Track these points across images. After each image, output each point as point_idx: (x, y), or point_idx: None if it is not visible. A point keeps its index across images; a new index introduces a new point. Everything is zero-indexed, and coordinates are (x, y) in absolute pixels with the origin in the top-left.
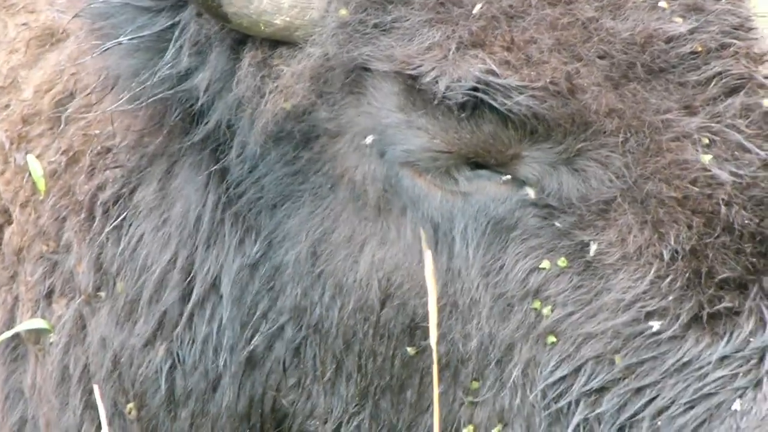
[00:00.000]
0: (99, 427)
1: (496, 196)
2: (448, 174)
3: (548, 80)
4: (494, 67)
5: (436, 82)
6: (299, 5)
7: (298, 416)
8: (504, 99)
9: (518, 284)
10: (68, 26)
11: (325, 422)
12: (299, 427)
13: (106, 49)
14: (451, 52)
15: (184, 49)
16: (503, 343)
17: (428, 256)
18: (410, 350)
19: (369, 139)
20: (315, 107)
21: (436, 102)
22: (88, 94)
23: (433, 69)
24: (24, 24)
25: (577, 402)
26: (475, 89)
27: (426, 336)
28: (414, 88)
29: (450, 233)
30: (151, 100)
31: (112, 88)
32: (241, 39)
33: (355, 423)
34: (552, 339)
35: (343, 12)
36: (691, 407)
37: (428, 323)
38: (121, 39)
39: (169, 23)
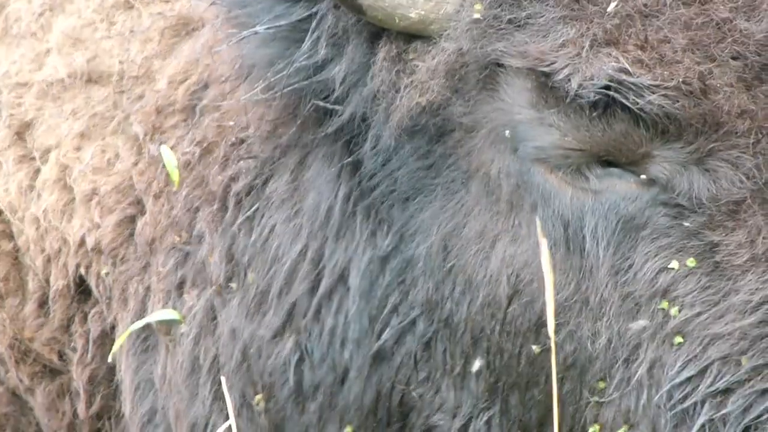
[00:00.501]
0: (227, 418)
1: (626, 195)
2: (579, 171)
3: (681, 80)
4: (627, 66)
5: (569, 79)
6: None
7: (426, 410)
8: (636, 98)
9: (647, 284)
10: (203, 15)
11: (454, 417)
12: (425, 421)
13: (241, 38)
14: (584, 50)
15: (320, 40)
16: (630, 343)
17: (544, 243)
18: (536, 348)
19: (507, 133)
20: (449, 102)
21: (568, 100)
22: (222, 83)
23: (566, 66)
24: (159, 13)
25: (703, 403)
26: (608, 87)
27: (555, 331)
28: (547, 85)
29: (580, 231)
30: (286, 90)
31: (246, 78)
32: (377, 32)
33: (484, 418)
34: (679, 339)
35: (478, 7)
36: None
37: (559, 318)
38: (257, 28)
39: (306, 14)
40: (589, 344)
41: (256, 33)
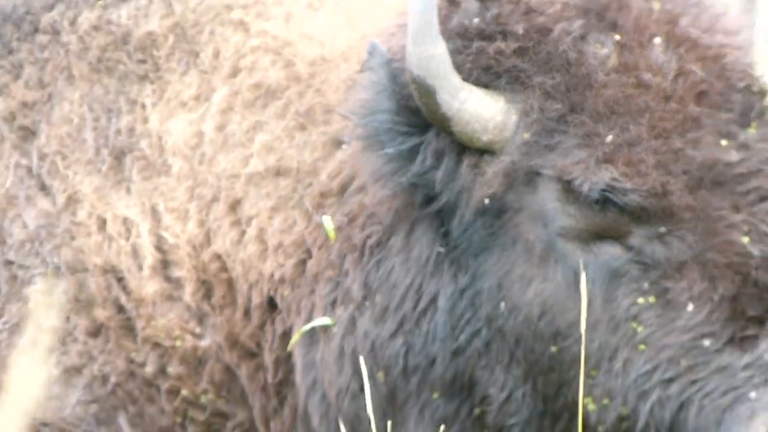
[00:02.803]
0: (362, 384)
1: (614, 256)
2: (586, 241)
3: (650, 186)
4: (618, 176)
5: (582, 185)
6: (498, 128)
7: (484, 385)
8: (622, 197)
9: (623, 311)
10: (351, 135)
11: (501, 390)
12: (484, 392)
13: (375, 155)
14: (591, 166)
15: (427, 155)
16: (612, 347)
17: (583, 278)
18: (554, 349)
19: (541, 221)
20: (505, 194)
21: (582, 198)
22: (362, 179)
23: (580, 176)
24: (322, 132)
25: (655, 387)
26: (605, 190)
27: (565, 339)
28: (568, 188)
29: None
30: (404, 186)
31: (377, 180)
32: (463, 149)
33: (521, 391)
34: (642, 347)
35: (526, 135)
36: (725, 394)
37: (568, 331)
38: (386, 150)
39: (419, 141)
40: (588, 346)
41: (385, 153)
